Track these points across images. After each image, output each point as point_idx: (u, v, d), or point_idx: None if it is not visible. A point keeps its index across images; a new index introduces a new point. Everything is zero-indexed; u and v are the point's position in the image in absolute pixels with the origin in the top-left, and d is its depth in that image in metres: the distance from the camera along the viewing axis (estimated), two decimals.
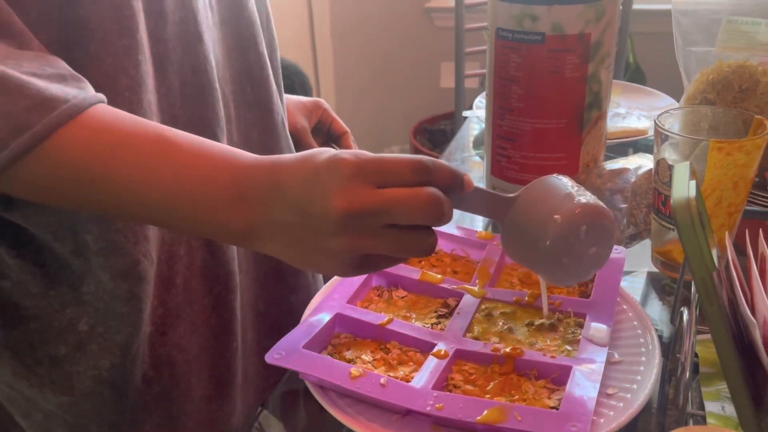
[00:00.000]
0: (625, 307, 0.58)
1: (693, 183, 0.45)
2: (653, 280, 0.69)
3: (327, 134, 0.93)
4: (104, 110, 0.44)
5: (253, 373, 0.68)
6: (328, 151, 0.43)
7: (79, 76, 0.45)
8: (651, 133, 0.90)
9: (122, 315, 0.54)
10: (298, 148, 0.90)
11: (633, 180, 0.73)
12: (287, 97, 0.90)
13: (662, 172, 0.62)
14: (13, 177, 0.42)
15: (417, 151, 2.24)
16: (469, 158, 1.02)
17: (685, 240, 0.41)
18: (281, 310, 0.70)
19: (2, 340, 0.55)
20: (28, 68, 0.42)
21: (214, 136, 0.57)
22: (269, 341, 0.52)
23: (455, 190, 0.44)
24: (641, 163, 0.76)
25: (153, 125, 0.45)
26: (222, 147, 0.46)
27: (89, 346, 0.55)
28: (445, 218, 0.43)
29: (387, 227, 0.42)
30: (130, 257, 0.52)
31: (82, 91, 0.44)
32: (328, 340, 0.56)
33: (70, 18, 0.47)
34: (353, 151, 0.42)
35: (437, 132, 2.35)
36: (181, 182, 0.43)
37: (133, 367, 0.56)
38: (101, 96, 0.45)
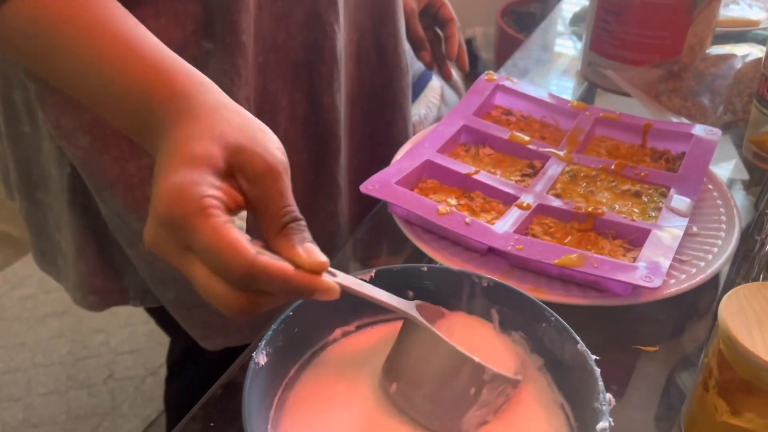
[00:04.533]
0: (711, 186, 0.59)
1: None
2: (739, 170, 0.68)
3: (434, 18, 0.91)
4: None
5: None
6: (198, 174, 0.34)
7: None
8: (763, 24, 0.86)
9: None
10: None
11: (738, 67, 0.71)
12: None
13: None
14: None
15: (503, 33, 2.17)
16: (557, 40, 0.99)
17: None
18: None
19: (117, 171, 0.56)
20: None
21: (326, 31, 0.58)
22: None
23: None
24: (750, 51, 0.73)
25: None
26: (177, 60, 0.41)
27: None
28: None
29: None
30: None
31: None
32: (415, 184, 0.59)
33: None
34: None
35: (526, 15, 2.25)
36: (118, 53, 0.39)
37: None
38: None
